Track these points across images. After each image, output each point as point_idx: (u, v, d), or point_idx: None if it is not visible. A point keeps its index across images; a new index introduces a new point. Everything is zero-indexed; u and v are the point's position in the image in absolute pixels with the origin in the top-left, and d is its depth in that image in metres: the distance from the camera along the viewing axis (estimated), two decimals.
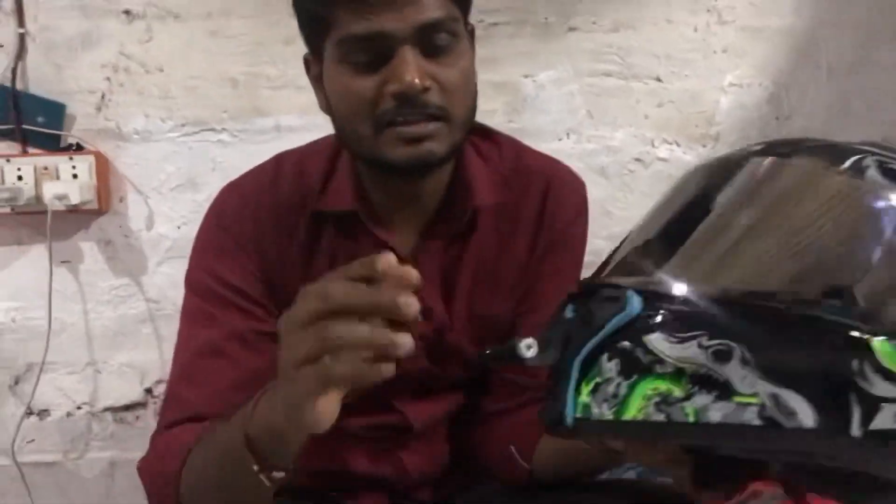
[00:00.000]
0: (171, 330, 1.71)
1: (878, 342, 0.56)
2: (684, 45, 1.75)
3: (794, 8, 1.76)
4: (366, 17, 0.77)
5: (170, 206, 1.68)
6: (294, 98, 1.64)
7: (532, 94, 1.71)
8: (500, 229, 0.96)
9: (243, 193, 0.94)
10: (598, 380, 0.61)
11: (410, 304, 0.59)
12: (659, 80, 1.75)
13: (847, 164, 0.63)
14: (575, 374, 0.61)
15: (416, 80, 0.78)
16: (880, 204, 0.61)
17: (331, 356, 0.59)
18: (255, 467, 0.70)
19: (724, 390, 0.57)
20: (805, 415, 0.56)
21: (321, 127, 1.64)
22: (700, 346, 0.58)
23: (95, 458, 1.76)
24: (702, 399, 0.58)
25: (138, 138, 1.64)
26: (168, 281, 1.70)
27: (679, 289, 0.60)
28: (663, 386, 0.59)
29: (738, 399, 0.57)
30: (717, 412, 0.57)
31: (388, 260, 0.60)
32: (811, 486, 0.67)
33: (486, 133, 1.00)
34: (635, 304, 0.60)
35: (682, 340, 0.58)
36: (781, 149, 0.67)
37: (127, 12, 1.60)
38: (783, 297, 0.58)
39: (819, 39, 1.78)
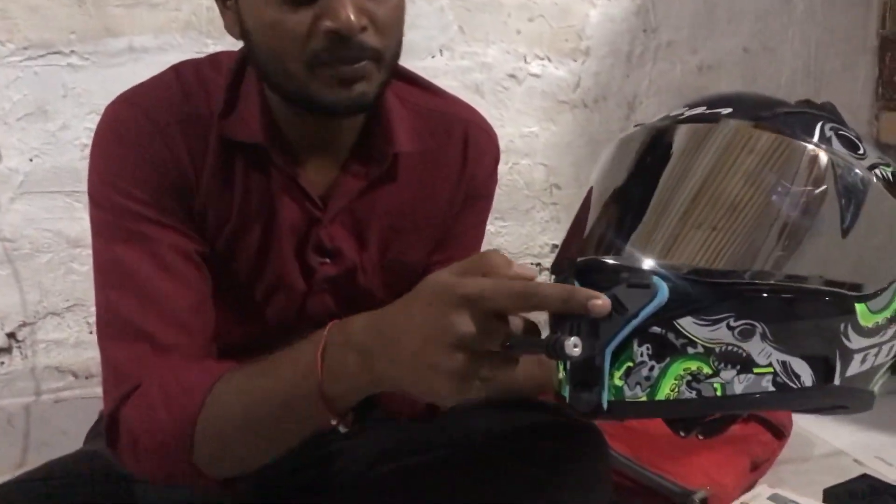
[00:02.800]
0: (31, 270, 1.63)
1: (859, 306, 0.67)
2: None
3: None
4: None
5: (19, 138, 1.56)
6: (148, 17, 1.55)
7: None
8: (419, 176, 0.95)
9: (146, 109, 0.86)
10: (629, 364, 0.65)
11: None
12: None
13: (816, 136, 0.70)
14: (607, 361, 0.64)
15: (353, 19, 0.74)
16: (854, 178, 0.68)
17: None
18: (334, 421, 0.72)
19: (746, 364, 0.65)
20: (806, 375, 0.66)
21: (179, 47, 1.57)
22: (728, 326, 0.64)
23: None
24: (727, 374, 0.65)
25: None
26: (23, 218, 1.60)
27: (700, 274, 0.64)
28: (694, 365, 0.65)
29: (757, 371, 0.65)
30: (740, 385, 0.65)
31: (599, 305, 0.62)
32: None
33: (403, 73, 0.97)
34: (664, 290, 0.63)
35: (713, 322, 0.64)
36: (762, 112, 0.72)
37: None
38: (789, 275, 0.65)
39: None
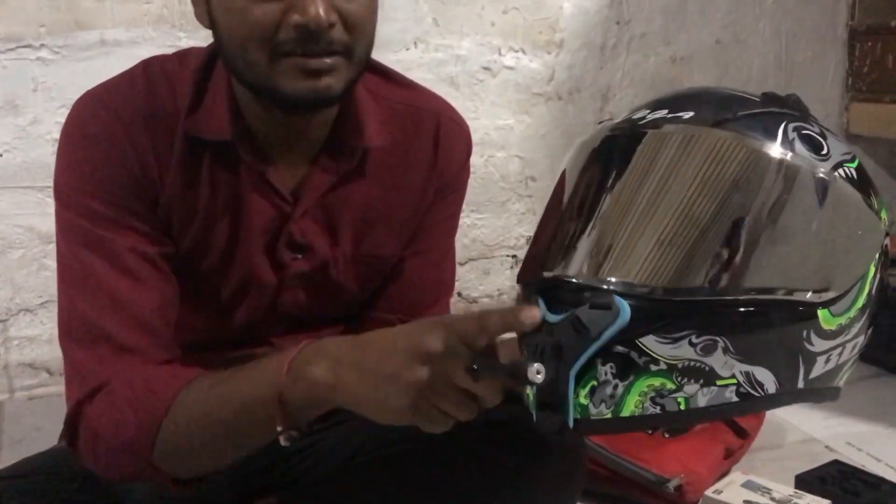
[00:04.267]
0: (2, 266, 1.61)
1: (821, 311, 0.68)
2: None
3: None
4: None
5: None
6: (119, 9, 1.54)
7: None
8: (391, 170, 0.94)
9: (112, 107, 0.85)
10: (593, 383, 0.65)
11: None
12: None
13: (779, 139, 0.68)
14: (571, 382, 0.65)
15: (322, 15, 0.74)
16: (816, 184, 0.68)
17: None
18: (279, 428, 0.73)
19: (709, 377, 0.65)
20: (769, 383, 0.67)
21: (152, 40, 1.56)
22: (690, 343, 0.64)
23: None
24: (690, 388, 0.65)
25: None
26: None
27: (659, 292, 0.65)
28: (657, 382, 0.65)
29: (720, 382, 0.66)
30: (703, 398, 0.66)
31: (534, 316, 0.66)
32: None
33: (375, 67, 0.96)
34: (626, 311, 0.63)
35: (675, 340, 0.64)
36: (723, 115, 0.70)
37: None
38: (751, 287, 0.65)
39: None
